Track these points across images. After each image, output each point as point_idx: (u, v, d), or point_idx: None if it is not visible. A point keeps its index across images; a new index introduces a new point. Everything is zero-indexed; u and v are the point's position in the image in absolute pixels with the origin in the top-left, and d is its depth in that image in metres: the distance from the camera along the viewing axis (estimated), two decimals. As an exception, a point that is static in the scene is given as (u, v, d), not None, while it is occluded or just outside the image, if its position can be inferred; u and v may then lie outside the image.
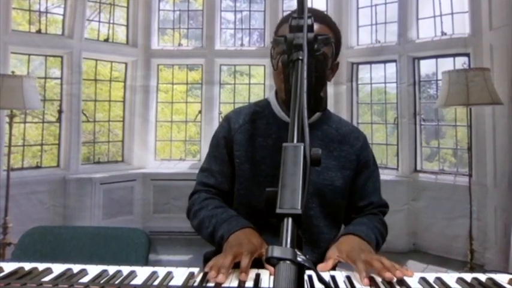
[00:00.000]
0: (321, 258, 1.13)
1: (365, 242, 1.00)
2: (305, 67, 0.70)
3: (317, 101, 1.13)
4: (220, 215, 1.05)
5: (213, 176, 1.16)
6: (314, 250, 1.12)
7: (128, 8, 4.32)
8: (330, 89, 4.03)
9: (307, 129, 0.61)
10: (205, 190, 1.16)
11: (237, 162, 1.14)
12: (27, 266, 0.86)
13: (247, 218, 1.04)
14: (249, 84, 4.57)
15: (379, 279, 0.81)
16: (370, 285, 0.79)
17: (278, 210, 0.53)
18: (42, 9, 3.81)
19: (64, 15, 3.87)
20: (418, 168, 3.76)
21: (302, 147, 0.59)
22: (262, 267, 0.85)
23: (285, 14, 1.20)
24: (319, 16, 1.08)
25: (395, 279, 0.80)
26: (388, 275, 0.80)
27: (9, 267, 0.85)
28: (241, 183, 1.14)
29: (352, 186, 1.16)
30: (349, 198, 1.17)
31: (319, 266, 0.90)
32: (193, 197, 1.16)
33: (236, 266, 0.83)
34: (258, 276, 0.82)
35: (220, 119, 4.33)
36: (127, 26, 4.32)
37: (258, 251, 0.89)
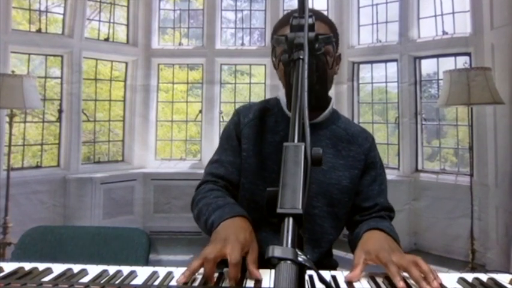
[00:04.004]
0: (322, 258, 1.13)
1: (391, 237, 0.96)
2: (306, 66, 0.70)
3: (322, 99, 1.14)
4: (217, 202, 1.01)
5: (223, 166, 1.15)
6: (315, 250, 1.11)
7: (128, 7, 4.31)
8: (331, 88, 4.02)
9: (307, 129, 0.60)
10: (212, 181, 1.13)
11: (244, 156, 1.14)
12: (27, 266, 0.85)
13: (249, 213, 1.03)
14: (250, 83, 4.57)
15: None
16: None
17: (279, 210, 0.53)
18: (42, 8, 3.80)
19: (64, 14, 3.87)
20: (419, 167, 3.76)
21: (303, 146, 0.59)
22: (263, 267, 0.84)
23: (286, 13, 1.19)
24: (316, 14, 1.08)
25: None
26: None
27: (9, 267, 0.85)
28: (246, 177, 1.14)
29: (358, 186, 1.15)
30: (354, 198, 1.15)
31: (348, 276, 0.82)
32: (199, 188, 1.14)
33: (226, 263, 0.80)
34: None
35: (221, 119, 4.35)
36: (127, 25, 4.32)
37: (245, 249, 0.83)
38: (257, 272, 0.80)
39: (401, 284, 0.75)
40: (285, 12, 4.20)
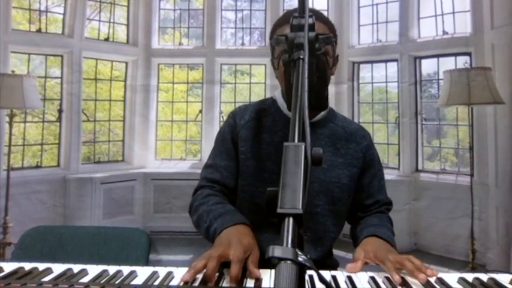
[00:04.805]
0: (324, 257, 1.13)
1: (388, 243, 1.01)
2: (306, 66, 0.70)
3: (322, 99, 1.14)
4: (218, 209, 1.02)
5: (218, 171, 1.15)
6: (317, 248, 1.11)
7: (128, 7, 4.31)
8: (331, 88, 4.00)
9: (308, 129, 0.60)
10: (209, 186, 1.13)
11: (242, 158, 1.13)
12: (27, 266, 0.85)
13: (250, 215, 1.02)
14: (250, 83, 4.57)
15: (409, 279, 0.82)
16: (402, 285, 0.79)
17: (279, 210, 0.52)
18: (42, 8, 3.81)
19: (64, 14, 3.87)
20: (420, 167, 3.76)
21: (303, 146, 0.59)
22: (263, 267, 0.84)
23: (285, 12, 1.19)
24: (315, 14, 1.08)
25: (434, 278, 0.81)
26: (421, 276, 0.80)
27: (9, 267, 0.85)
28: (245, 179, 1.13)
29: (358, 184, 1.16)
30: (355, 196, 1.17)
31: (349, 266, 0.89)
32: (196, 193, 1.14)
33: (225, 265, 0.81)
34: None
35: (221, 119, 4.34)
36: (127, 25, 4.32)
37: (247, 253, 0.84)
38: (257, 271, 0.81)
39: (396, 277, 0.81)
40: (285, 11, 4.20)
